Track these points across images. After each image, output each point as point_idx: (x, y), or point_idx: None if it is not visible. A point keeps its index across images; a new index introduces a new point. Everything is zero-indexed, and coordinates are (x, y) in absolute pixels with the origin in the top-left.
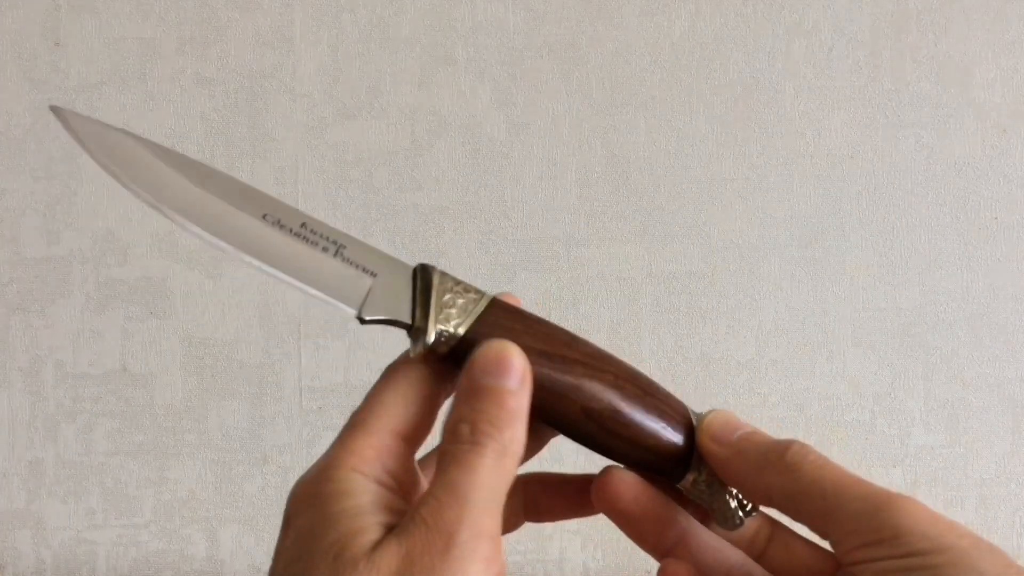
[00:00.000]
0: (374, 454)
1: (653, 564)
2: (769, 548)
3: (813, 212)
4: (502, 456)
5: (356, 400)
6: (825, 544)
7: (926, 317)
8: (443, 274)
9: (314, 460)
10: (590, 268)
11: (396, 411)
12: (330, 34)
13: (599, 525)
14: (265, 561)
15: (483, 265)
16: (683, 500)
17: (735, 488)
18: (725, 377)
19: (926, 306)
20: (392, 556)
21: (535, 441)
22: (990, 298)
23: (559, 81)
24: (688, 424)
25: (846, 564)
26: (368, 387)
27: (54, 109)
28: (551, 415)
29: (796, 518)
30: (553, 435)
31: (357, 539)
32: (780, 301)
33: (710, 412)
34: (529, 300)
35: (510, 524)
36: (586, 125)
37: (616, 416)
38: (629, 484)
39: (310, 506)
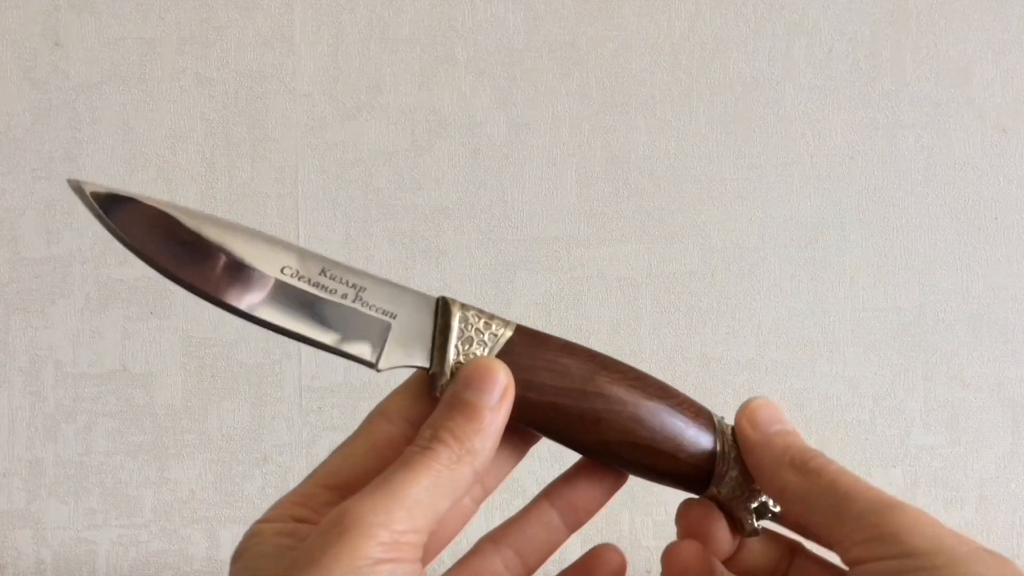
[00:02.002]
0: (286, 505)
1: (653, 564)
2: (789, 573)
3: (813, 212)
4: (455, 463)
5: (356, 400)
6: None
7: (926, 317)
8: (464, 308)
9: (314, 460)
10: (590, 268)
11: (333, 466)
12: (330, 34)
13: (599, 525)
14: None
15: (483, 265)
16: (704, 506)
17: (752, 473)
18: (725, 377)
19: (926, 306)
20: (290, 548)
21: (514, 455)
22: (990, 298)
23: (559, 81)
24: (711, 442)
25: (848, 564)
26: (367, 387)
27: (72, 184)
28: (567, 441)
29: (803, 518)
30: (535, 442)
31: (256, 563)
32: (780, 301)
33: (756, 399)
34: (529, 300)
35: (554, 543)
36: (586, 125)
37: (633, 449)
38: (696, 555)
39: (232, 564)
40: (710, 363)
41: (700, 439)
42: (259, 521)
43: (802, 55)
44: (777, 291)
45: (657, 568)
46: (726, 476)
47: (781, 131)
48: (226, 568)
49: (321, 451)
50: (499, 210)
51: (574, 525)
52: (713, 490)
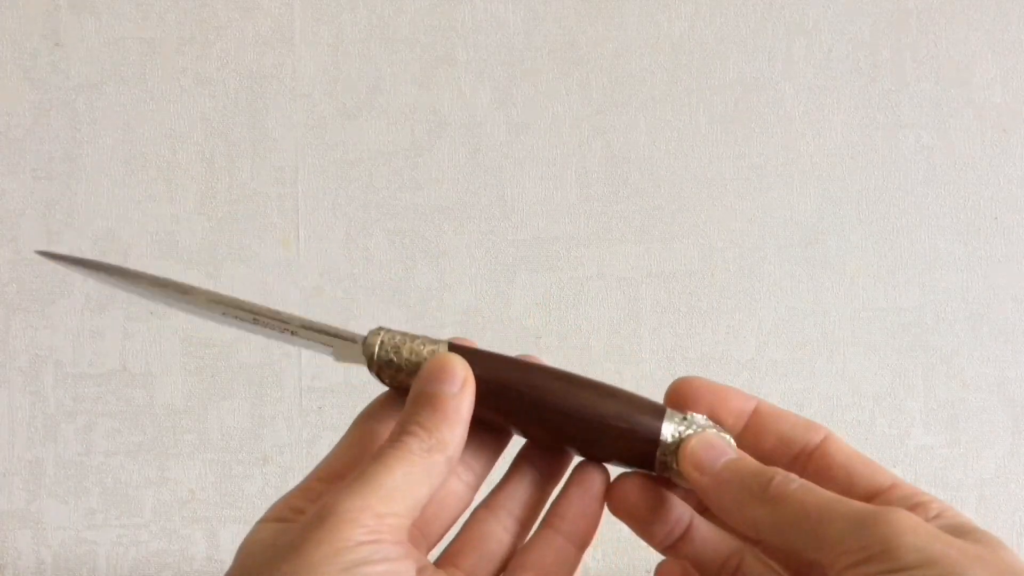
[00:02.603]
0: (284, 501)
1: (653, 564)
2: None
3: (813, 212)
4: (427, 452)
5: (356, 400)
6: None
7: (926, 317)
8: (385, 349)
9: (314, 460)
10: (590, 268)
11: (327, 462)
12: (330, 34)
13: (600, 525)
14: None
15: (483, 265)
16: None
17: (720, 517)
18: (725, 377)
19: (926, 306)
20: (269, 538)
21: (499, 441)
22: (990, 298)
23: (559, 81)
24: (652, 431)
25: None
26: (366, 387)
27: (43, 255)
28: (519, 432)
29: (784, 547)
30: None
31: (247, 560)
32: (780, 301)
33: (691, 439)
34: (529, 300)
35: (543, 499)
36: (586, 125)
37: (570, 439)
38: (640, 488)
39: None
40: (710, 363)
41: (640, 429)
42: (260, 520)
43: (802, 55)
44: (777, 291)
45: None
46: (670, 464)
47: (781, 131)
48: (225, 568)
49: (321, 451)
50: (499, 210)
51: (554, 478)
52: (659, 467)
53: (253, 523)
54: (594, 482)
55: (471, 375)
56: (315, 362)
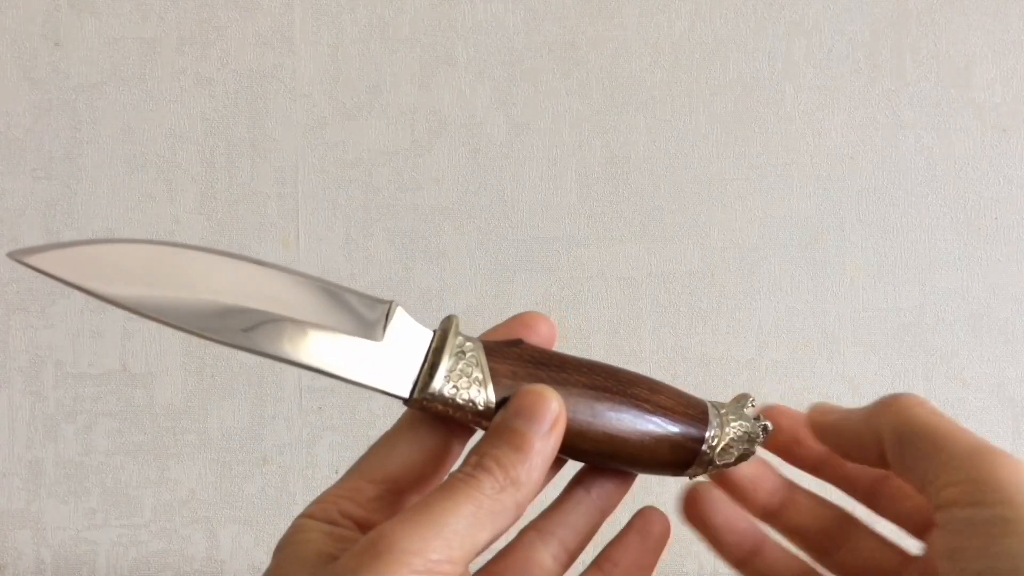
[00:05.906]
0: (332, 499)
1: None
2: (843, 548)
3: (813, 212)
4: (499, 493)
5: (356, 400)
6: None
7: (926, 317)
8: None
9: (314, 460)
10: (590, 268)
11: (377, 459)
12: (330, 34)
13: (601, 528)
14: (265, 561)
15: (483, 265)
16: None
17: (840, 450)
18: (725, 377)
19: (926, 306)
20: (328, 561)
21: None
22: (990, 298)
23: (559, 81)
24: (696, 435)
25: (937, 506)
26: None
27: (12, 255)
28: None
29: (898, 461)
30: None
31: (293, 567)
32: (780, 301)
33: (814, 407)
34: (529, 300)
35: (593, 529)
36: (586, 125)
37: (611, 458)
38: (715, 499)
39: (274, 555)
40: (710, 363)
41: (679, 436)
42: (304, 515)
43: (802, 55)
44: (777, 291)
45: (661, 569)
46: (708, 463)
47: (781, 131)
48: (225, 568)
49: (321, 451)
50: (499, 210)
51: (609, 509)
52: (691, 471)
53: (253, 523)
54: (655, 533)
55: (564, 414)
56: None
